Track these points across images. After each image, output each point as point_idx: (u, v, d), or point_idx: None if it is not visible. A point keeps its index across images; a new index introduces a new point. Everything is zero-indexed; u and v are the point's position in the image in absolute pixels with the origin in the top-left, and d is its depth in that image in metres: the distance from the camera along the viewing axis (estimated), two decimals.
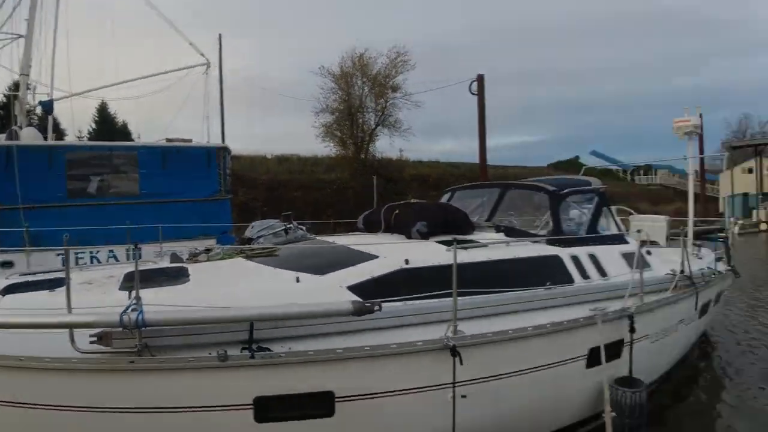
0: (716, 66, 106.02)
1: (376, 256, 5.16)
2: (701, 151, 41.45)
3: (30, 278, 5.25)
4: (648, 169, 54.61)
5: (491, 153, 26.52)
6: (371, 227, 7.01)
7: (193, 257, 6.37)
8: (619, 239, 7.21)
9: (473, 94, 24.02)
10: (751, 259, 19.70)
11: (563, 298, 5.68)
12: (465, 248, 5.51)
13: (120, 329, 3.53)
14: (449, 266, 4.73)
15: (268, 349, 3.96)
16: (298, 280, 4.72)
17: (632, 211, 9.91)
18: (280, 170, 33.03)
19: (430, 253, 5.33)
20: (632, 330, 5.56)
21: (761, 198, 40.75)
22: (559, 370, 5.11)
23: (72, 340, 3.62)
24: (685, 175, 51.66)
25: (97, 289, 4.71)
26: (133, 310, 3.48)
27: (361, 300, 4.07)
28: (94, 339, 3.66)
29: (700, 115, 9.64)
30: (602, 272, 6.39)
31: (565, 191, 7.12)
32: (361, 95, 34.11)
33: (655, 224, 9.53)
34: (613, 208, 8.08)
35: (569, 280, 5.97)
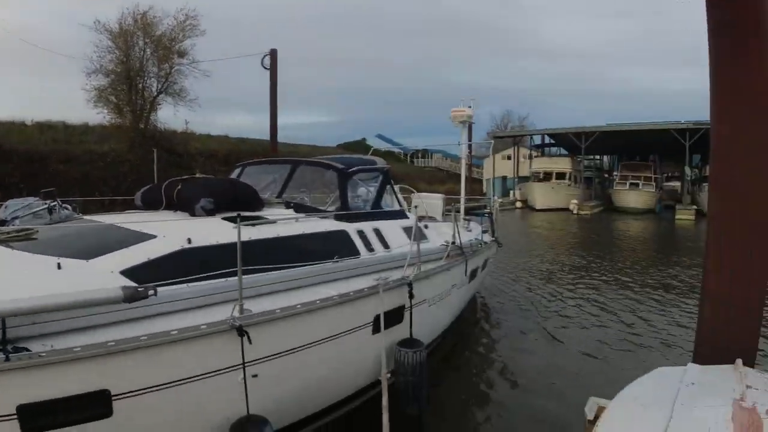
0: (487, 66, 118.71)
1: (154, 236, 4.68)
2: (470, 139, 46.54)
3: None
4: (425, 153, 59.36)
5: (282, 131, 26.27)
6: (151, 205, 6.38)
7: None
8: (400, 215, 7.85)
9: (265, 68, 23.40)
10: (510, 232, 22.87)
11: (349, 270, 5.96)
12: (252, 225, 5.31)
13: None
14: (235, 244, 4.52)
15: (27, 349, 3.35)
16: (59, 267, 4.01)
17: (413, 190, 10.70)
18: (43, 139, 28.30)
19: (214, 230, 5.05)
20: (411, 296, 5.98)
21: (517, 181, 47.32)
22: (347, 339, 5.29)
23: None
24: (457, 159, 57.28)
25: None
26: None
27: (133, 285, 3.64)
28: None
29: (469, 107, 11.07)
30: (385, 245, 6.86)
31: (352, 170, 7.46)
32: (142, 57, 30.73)
33: (432, 201, 10.62)
34: (396, 186, 8.76)
35: (356, 253, 6.30)
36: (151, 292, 3.71)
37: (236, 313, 4.20)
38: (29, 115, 31.27)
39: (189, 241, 4.69)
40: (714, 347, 3.96)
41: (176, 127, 33.42)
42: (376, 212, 7.41)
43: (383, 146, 53.67)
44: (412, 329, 6.10)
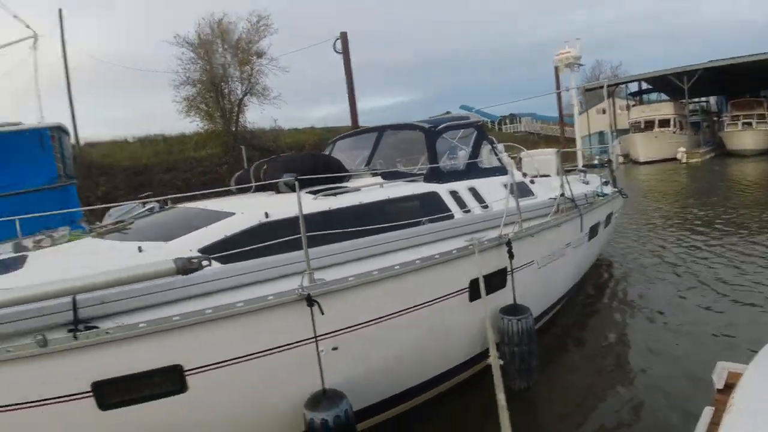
0: (572, 18, 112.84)
1: (232, 214, 4.69)
2: (560, 97, 44.29)
3: None
4: (512, 118, 57.27)
5: (366, 115, 26.34)
6: (243, 188, 6.52)
7: (37, 243, 5.67)
8: (501, 171, 7.05)
9: (338, 52, 23.40)
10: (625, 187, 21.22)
11: (439, 233, 5.49)
12: (333, 194, 5.26)
13: None
14: (316, 215, 4.47)
15: (96, 327, 3.41)
16: (140, 250, 4.17)
17: (522, 148, 9.92)
18: (145, 154, 30.25)
19: (293, 203, 4.89)
20: (511, 256, 5.44)
21: (616, 134, 44.27)
22: (438, 308, 4.88)
23: None
24: (548, 121, 55.02)
25: None
26: None
27: (186, 257, 3.56)
28: None
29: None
30: (483, 204, 6.29)
31: (440, 127, 6.93)
32: (224, 64, 32.08)
33: (544, 158, 9.56)
34: (500, 145, 8.04)
35: (449, 215, 5.83)
36: (205, 263, 3.68)
37: (305, 283, 4.02)
38: (131, 132, 33.38)
39: (266, 215, 4.63)
40: None
41: (265, 126, 34.69)
42: (471, 170, 6.81)
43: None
44: (515, 294, 5.58)
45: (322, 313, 3.92)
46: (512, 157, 9.44)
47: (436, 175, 6.34)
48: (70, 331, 3.36)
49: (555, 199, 7.01)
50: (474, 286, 5.14)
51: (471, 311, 5.22)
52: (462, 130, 7.40)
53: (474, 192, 6.40)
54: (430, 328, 4.94)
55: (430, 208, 5.79)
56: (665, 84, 43.33)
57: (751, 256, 10.08)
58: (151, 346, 3.51)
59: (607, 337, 7.01)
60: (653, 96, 50.72)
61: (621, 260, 10.87)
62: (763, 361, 2.39)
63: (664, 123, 40.38)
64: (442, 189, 6.10)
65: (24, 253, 5.16)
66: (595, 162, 11.40)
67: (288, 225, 4.48)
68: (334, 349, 4.10)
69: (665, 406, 5.01)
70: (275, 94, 33.16)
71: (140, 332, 3.43)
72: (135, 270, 3.45)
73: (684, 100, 42.14)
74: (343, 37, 23.46)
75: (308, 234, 4.16)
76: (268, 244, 4.32)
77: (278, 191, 5.77)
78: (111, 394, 3.48)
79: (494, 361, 4.65)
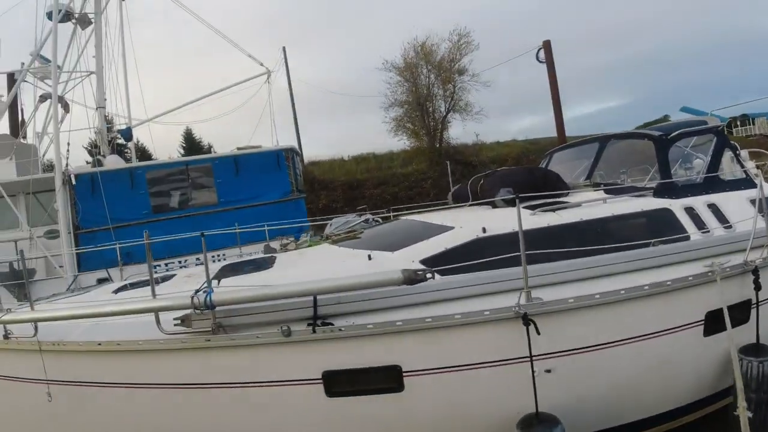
0: None
1: (452, 228, 4.92)
2: None
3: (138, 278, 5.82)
4: (744, 119, 50.36)
5: (571, 124, 25.50)
6: (460, 201, 6.69)
7: (284, 247, 6.78)
8: (746, 184, 6.09)
9: (540, 62, 23.09)
10: None
11: (672, 256, 4.89)
12: (553, 210, 5.13)
13: (199, 312, 3.83)
14: (534, 231, 4.44)
15: (331, 324, 3.93)
16: (370, 258, 4.65)
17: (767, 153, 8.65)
18: (358, 170, 33.22)
19: (511, 219, 4.79)
20: (758, 287, 4.69)
21: None
22: (666, 340, 4.42)
23: (158, 324, 3.94)
24: None
25: (195, 280, 4.89)
26: (203, 292, 3.75)
27: (413, 269, 3.82)
28: (178, 322, 3.95)
29: None
30: (726, 224, 5.51)
31: (673, 134, 6.13)
32: (428, 83, 33.58)
33: None
34: (744, 151, 7.09)
35: (684, 236, 5.19)
36: (429, 275, 3.84)
37: (522, 301, 3.96)
38: (346, 151, 36.82)
39: (483, 230, 4.69)
40: None
41: (467, 141, 35.64)
42: (710, 183, 5.94)
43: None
44: (759, 332, 4.79)
45: (538, 333, 3.85)
46: (758, 167, 8.20)
47: (668, 189, 5.69)
48: (309, 325, 3.90)
49: None
50: (711, 318, 4.58)
51: (704, 347, 4.66)
52: (698, 137, 6.56)
53: (714, 209, 5.62)
54: (654, 362, 4.51)
55: (660, 227, 5.25)
56: None
57: None
58: (376, 346, 3.93)
59: None
60: None
61: None
62: None
63: None
64: (676, 205, 5.46)
65: (273, 254, 6.10)
66: None
67: (505, 241, 4.47)
68: (548, 371, 4.02)
69: None
70: (477, 109, 34.01)
71: (368, 332, 3.87)
72: (367, 278, 3.85)
73: None
74: (546, 45, 23.07)
75: (531, 252, 4.15)
76: (487, 261, 4.35)
77: (495, 206, 5.74)
78: (338, 383, 3.93)
79: (742, 411, 4.17)
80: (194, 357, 4.06)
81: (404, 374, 3.94)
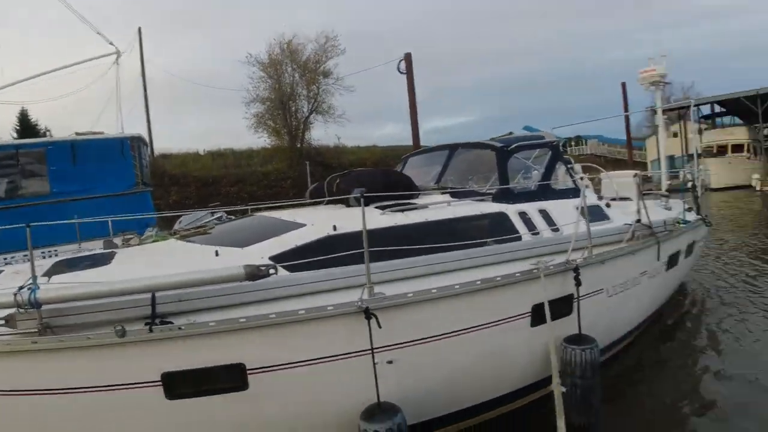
0: (637, 39, 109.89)
1: (304, 225, 4.91)
2: (628, 119, 43.13)
3: None
4: (578, 140, 56.08)
5: (429, 135, 26.63)
6: (317, 200, 6.70)
7: (126, 242, 6.36)
8: (574, 193, 6.68)
9: (401, 72, 23.84)
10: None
11: (505, 254, 5.38)
12: (402, 211, 5.34)
13: (23, 311, 3.54)
14: (382, 230, 4.58)
15: (171, 323, 3.72)
16: (217, 254, 4.46)
17: (601, 168, 9.48)
18: (215, 166, 31.90)
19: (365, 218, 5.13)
20: (578, 284, 5.18)
21: (687, 159, 42.49)
22: (497, 331, 4.78)
23: None
24: (615, 143, 53.60)
25: (23, 277, 4.36)
26: (27, 289, 3.48)
27: (255, 264, 3.82)
28: (2, 322, 3.64)
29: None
30: (555, 227, 6.06)
31: (512, 146, 6.76)
32: (292, 83, 33.43)
33: (625, 180, 8.85)
34: (577, 165, 7.74)
35: (516, 236, 5.68)
36: (272, 271, 3.89)
37: (365, 296, 4.09)
38: (202, 145, 35.22)
39: (334, 228, 4.74)
40: None
41: (329, 143, 35.79)
42: (542, 191, 6.54)
43: None
44: (580, 323, 5.28)
45: (380, 327, 3.97)
46: (591, 179, 8.91)
47: (505, 195, 6.18)
48: (146, 324, 3.66)
49: (631, 225, 6.63)
50: (537, 311, 4.98)
51: (532, 337, 5.04)
52: (537, 150, 7.20)
53: (545, 214, 6.15)
54: (487, 351, 4.83)
55: (497, 228, 5.66)
56: (739, 107, 41.51)
57: None
58: (218, 344, 3.77)
59: (678, 376, 6.43)
60: (726, 120, 48.60)
61: (699, 291, 10.13)
62: None
63: (737, 148, 38.63)
64: (511, 209, 5.93)
65: (113, 249, 5.64)
66: (682, 185, 10.41)
67: (354, 238, 4.57)
68: (389, 362, 4.13)
69: None
70: (340, 113, 34.37)
71: (209, 330, 3.69)
72: (208, 273, 3.75)
73: (758, 125, 40.23)
74: (407, 57, 23.90)
75: (372, 249, 4.29)
76: (335, 257, 4.46)
77: (348, 205, 5.81)
78: (178, 385, 3.76)
79: (557, 387, 4.56)
80: (20, 360, 3.65)
81: (248, 372, 3.84)
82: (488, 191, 6.43)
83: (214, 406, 3.87)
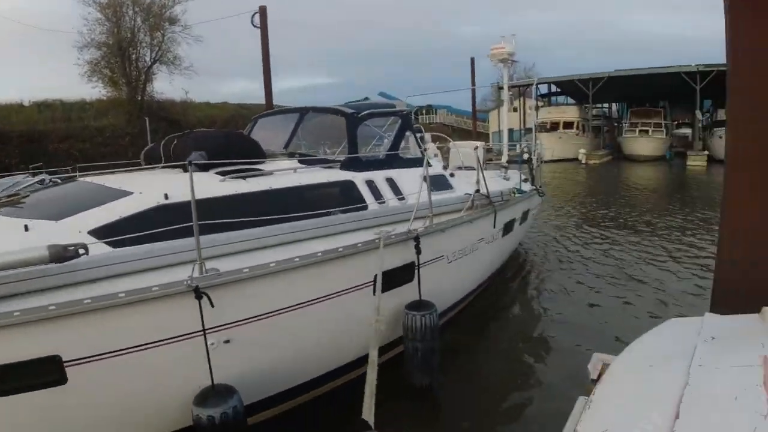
0: (489, 18, 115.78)
1: (130, 193, 4.38)
2: (474, 93, 45.46)
3: None
4: (429, 109, 58.18)
5: (284, 95, 25.71)
6: (152, 163, 6.05)
7: None
8: (422, 162, 6.55)
9: (255, 26, 22.65)
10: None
11: (351, 224, 5.36)
12: (244, 177, 5.01)
13: None
14: (220, 199, 4.26)
15: None
16: (27, 229, 3.82)
17: (449, 138, 9.80)
18: (41, 119, 28.05)
19: (201, 185, 4.53)
20: (419, 252, 5.35)
21: (524, 132, 46.17)
22: (341, 302, 4.77)
23: None
24: (462, 114, 56.38)
25: None
26: None
27: (62, 244, 3.35)
28: None
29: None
30: (400, 196, 6.12)
31: (362, 113, 6.65)
32: (134, 27, 30.36)
33: (470, 150, 8.94)
34: (427, 134, 7.98)
35: (363, 205, 5.67)
36: (82, 251, 3.48)
37: (195, 273, 3.79)
38: (27, 95, 30.77)
39: (166, 197, 4.33)
40: (734, 292, 3.54)
41: (175, 97, 33.20)
42: (391, 160, 6.57)
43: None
44: (421, 289, 5.48)
45: (212, 306, 3.73)
46: (440, 148, 9.40)
47: (353, 163, 6.11)
48: None
49: (471, 194, 6.96)
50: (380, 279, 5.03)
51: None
52: (388, 118, 7.21)
53: (392, 183, 6.21)
54: (330, 322, 4.80)
55: (344, 197, 5.62)
56: (572, 88, 45.60)
57: (638, 252, 10.89)
58: (28, 336, 3.27)
59: (512, 332, 7.15)
60: (561, 99, 53.27)
61: (532, 253, 11.24)
62: (632, 354, 2.48)
63: (568, 125, 42.48)
64: (359, 178, 5.91)
65: None
66: (520, 156, 11.20)
67: (189, 209, 4.16)
68: (227, 342, 3.94)
69: (555, 397, 5.07)
70: (187, 64, 31.92)
71: (15, 321, 3.17)
72: (3, 257, 3.20)
73: (588, 105, 44.53)
74: (262, 11, 22.64)
75: (204, 222, 3.96)
76: (166, 230, 4.05)
77: (185, 170, 5.37)
78: None
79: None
80: None
81: (66, 364, 3.40)
82: (337, 158, 6.33)
83: (29, 403, 3.38)
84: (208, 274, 3.83)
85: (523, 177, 9.91)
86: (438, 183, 6.66)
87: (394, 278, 5.19)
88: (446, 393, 5.44)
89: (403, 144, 7.09)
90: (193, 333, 3.77)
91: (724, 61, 3.61)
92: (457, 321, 7.15)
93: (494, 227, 7.50)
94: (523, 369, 6.03)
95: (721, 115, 39.70)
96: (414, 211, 5.63)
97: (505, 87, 12.11)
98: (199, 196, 4.27)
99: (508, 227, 8.36)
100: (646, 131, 39.82)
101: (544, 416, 4.87)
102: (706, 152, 35.35)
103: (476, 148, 7.66)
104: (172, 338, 3.75)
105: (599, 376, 3.54)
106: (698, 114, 40.00)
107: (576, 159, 38.38)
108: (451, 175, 7.39)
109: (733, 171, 3.68)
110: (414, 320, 5.12)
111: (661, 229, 13.48)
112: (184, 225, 3.98)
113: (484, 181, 7.07)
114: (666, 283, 8.75)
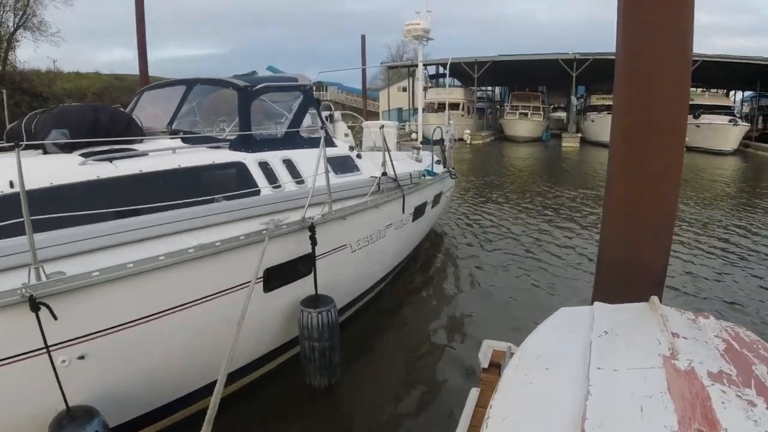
0: None
1: None
2: (365, 71, 45.42)
3: None
4: (320, 86, 57.43)
5: (165, 65, 23.91)
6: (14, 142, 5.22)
7: None
8: (327, 142, 6.04)
9: None
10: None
11: (237, 212, 4.75)
12: (110, 160, 4.33)
13: None
14: (77, 185, 3.71)
15: None
16: None
17: (361, 118, 9.34)
18: None
19: (59, 169, 3.99)
20: (314, 242, 4.89)
21: (412, 112, 47.14)
22: (225, 301, 4.21)
23: None
24: (353, 93, 56.29)
25: None
26: None
27: None
28: None
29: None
30: (299, 180, 5.56)
31: (257, 87, 5.92)
32: None
33: (385, 130, 8.58)
34: (337, 113, 7.54)
35: (254, 190, 5.07)
36: None
37: (32, 280, 3.15)
38: None
39: (11, 184, 3.62)
40: (619, 276, 3.57)
41: (40, 66, 30.16)
42: (290, 139, 5.92)
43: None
44: (317, 283, 5.03)
45: (55, 318, 3.15)
46: (351, 127, 8.95)
47: (245, 142, 5.46)
48: None
49: (377, 178, 6.50)
50: (270, 275, 4.60)
51: (266, 303, 4.69)
52: (286, 93, 6.43)
53: (290, 165, 5.61)
54: (208, 328, 4.19)
55: (231, 181, 5.01)
56: (459, 71, 46.96)
57: (526, 226, 11.42)
58: None
59: (421, 320, 6.94)
60: (448, 81, 54.58)
61: (444, 234, 11.20)
62: (526, 355, 2.34)
63: (454, 106, 43.78)
64: (250, 159, 5.28)
65: None
66: (431, 138, 10.87)
67: (46, 197, 3.66)
68: (81, 358, 3.41)
69: (458, 390, 4.88)
70: (54, 30, 29.07)
71: None
72: None
73: (473, 87, 46.14)
74: None
75: (42, 217, 3.37)
76: (5, 224, 3.39)
77: (47, 151, 4.61)
78: None
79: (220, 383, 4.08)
80: None
81: None
82: (227, 137, 5.70)
83: None
84: (48, 280, 3.20)
85: (436, 159, 9.61)
86: (343, 165, 6.26)
87: (287, 273, 4.78)
88: (346, 393, 5.13)
89: (309, 122, 6.52)
90: (34, 351, 3.19)
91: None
92: (364, 312, 6.84)
93: (403, 212, 7.14)
94: (426, 362, 5.83)
95: (593, 101, 42.99)
96: (309, 197, 5.06)
97: (419, 65, 12.00)
98: (51, 182, 3.74)
99: (418, 211, 8.00)
100: (526, 114, 42.35)
101: (446, 409, 4.79)
102: (579, 134, 38.38)
103: (382, 127, 7.12)
104: (7, 359, 3.16)
105: (491, 364, 3.53)
106: (573, 99, 42.92)
107: (461, 139, 39.81)
108: (358, 156, 6.87)
109: (617, 151, 3.69)
110: (310, 318, 4.71)
111: (549, 207, 14.33)
112: (39, 218, 3.37)
113: (392, 162, 6.70)
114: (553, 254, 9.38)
